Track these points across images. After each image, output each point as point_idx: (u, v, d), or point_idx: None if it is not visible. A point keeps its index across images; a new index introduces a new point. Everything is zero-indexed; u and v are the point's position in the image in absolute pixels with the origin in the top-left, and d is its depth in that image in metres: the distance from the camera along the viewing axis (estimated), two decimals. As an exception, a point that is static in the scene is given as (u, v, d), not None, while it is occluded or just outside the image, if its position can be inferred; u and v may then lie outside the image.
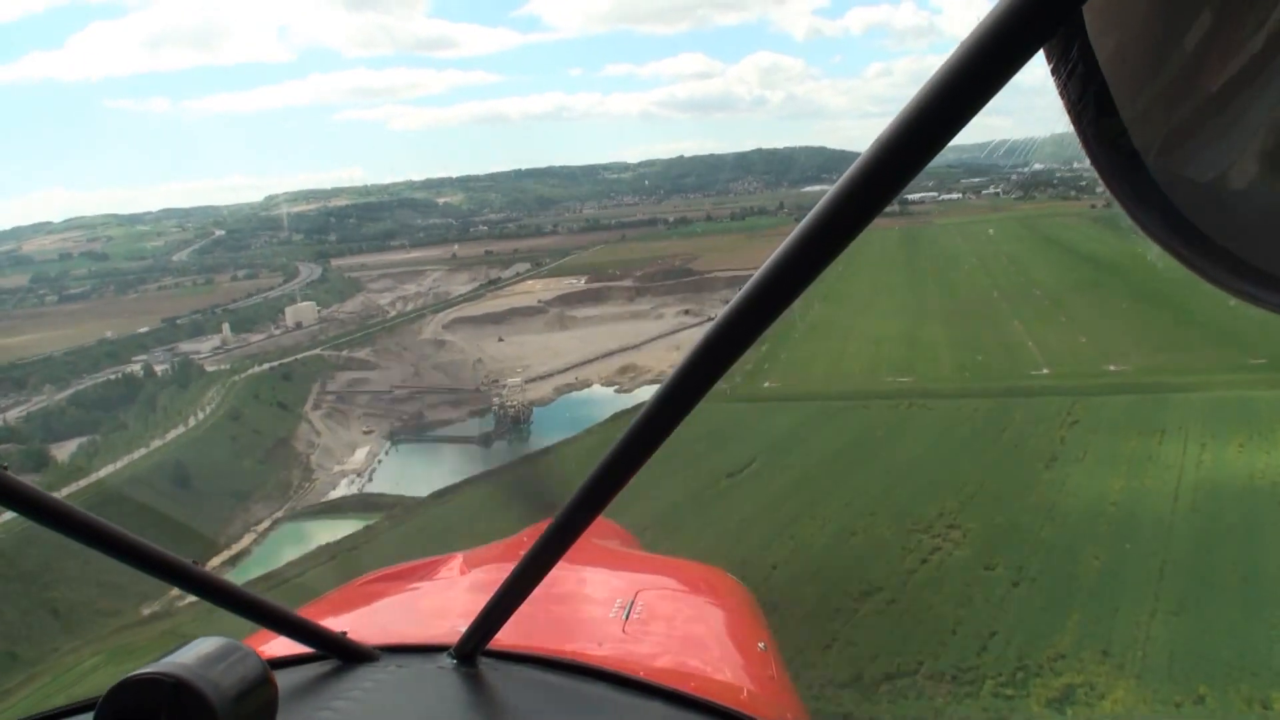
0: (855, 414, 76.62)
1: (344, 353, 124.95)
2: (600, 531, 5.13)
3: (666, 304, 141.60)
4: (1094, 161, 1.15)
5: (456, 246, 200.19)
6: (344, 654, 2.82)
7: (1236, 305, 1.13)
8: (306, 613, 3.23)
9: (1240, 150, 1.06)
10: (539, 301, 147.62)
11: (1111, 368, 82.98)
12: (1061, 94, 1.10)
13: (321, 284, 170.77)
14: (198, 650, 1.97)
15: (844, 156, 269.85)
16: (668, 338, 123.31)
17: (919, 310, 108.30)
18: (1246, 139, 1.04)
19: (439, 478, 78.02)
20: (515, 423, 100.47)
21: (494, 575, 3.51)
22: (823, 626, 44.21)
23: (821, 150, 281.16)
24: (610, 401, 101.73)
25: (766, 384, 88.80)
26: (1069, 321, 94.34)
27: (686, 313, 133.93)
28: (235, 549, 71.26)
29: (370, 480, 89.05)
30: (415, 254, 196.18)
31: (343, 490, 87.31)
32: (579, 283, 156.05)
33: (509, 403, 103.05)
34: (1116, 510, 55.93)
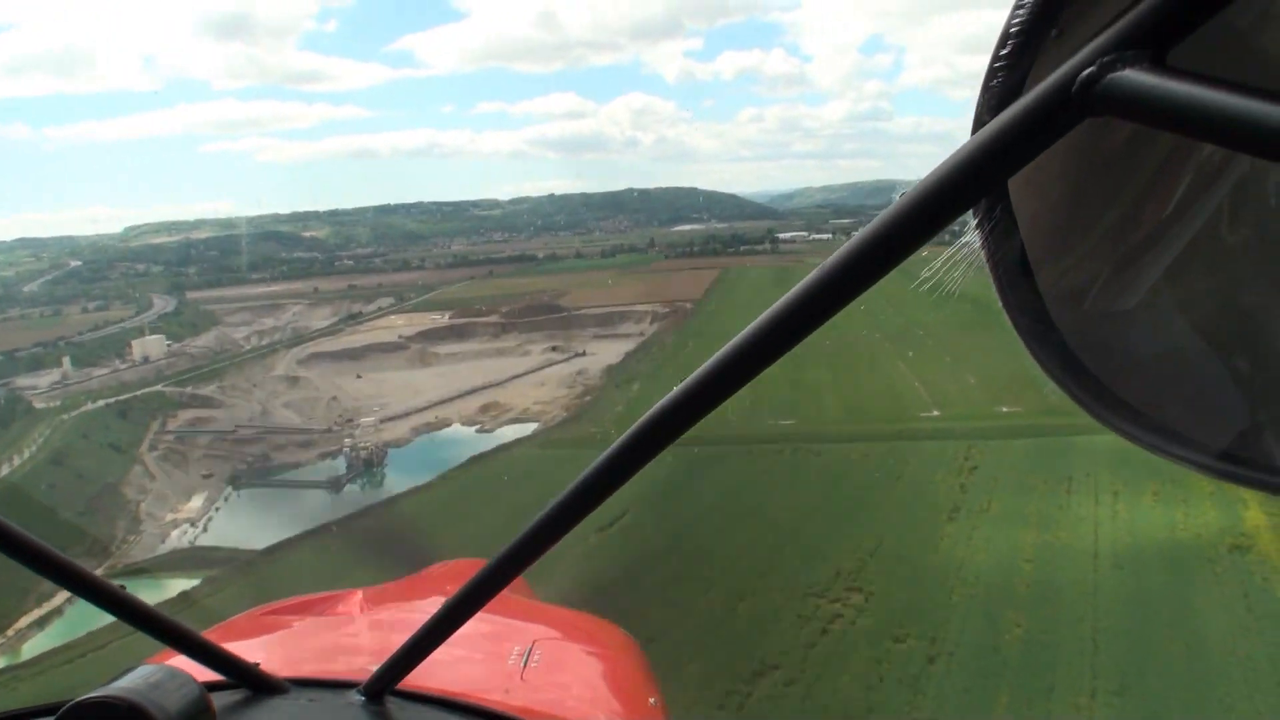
0: (736, 460, 69.11)
1: (188, 389, 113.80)
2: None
3: (533, 340, 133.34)
4: (1005, 306, 1.22)
5: (319, 281, 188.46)
6: (255, 684, 2.65)
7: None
8: (210, 637, 2.79)
9: (1135, 304, 1.21)
10: (400, 337, 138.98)
11: (1004, 409, 77.11)
12: (983, 246, 1.17)
13: (175, 317, 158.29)
14: (142, 676, 2.08)
15: (714, 198, 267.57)
16: (533, 374, 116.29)
17: (797, 350, 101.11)
18: (1143, 295, 1.20)
19: (280, 527, 70.83)
20: (368, 465, 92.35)
21: (395, 613, 3.95)
22: (710, 717, 37.42)
23: (693, 191, 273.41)
24: (470, 442, 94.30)
25: None
26: (955, 361, 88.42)
27: (554, 349, 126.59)
28: (23, 621, 57.31)
29: (205, 530, 79.66)
30: (277, 288, 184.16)
31: (173, 543, 77.71)
32: (443, 318, 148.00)
33: (361, 444, 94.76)
34: (1033, 569, 49.19)
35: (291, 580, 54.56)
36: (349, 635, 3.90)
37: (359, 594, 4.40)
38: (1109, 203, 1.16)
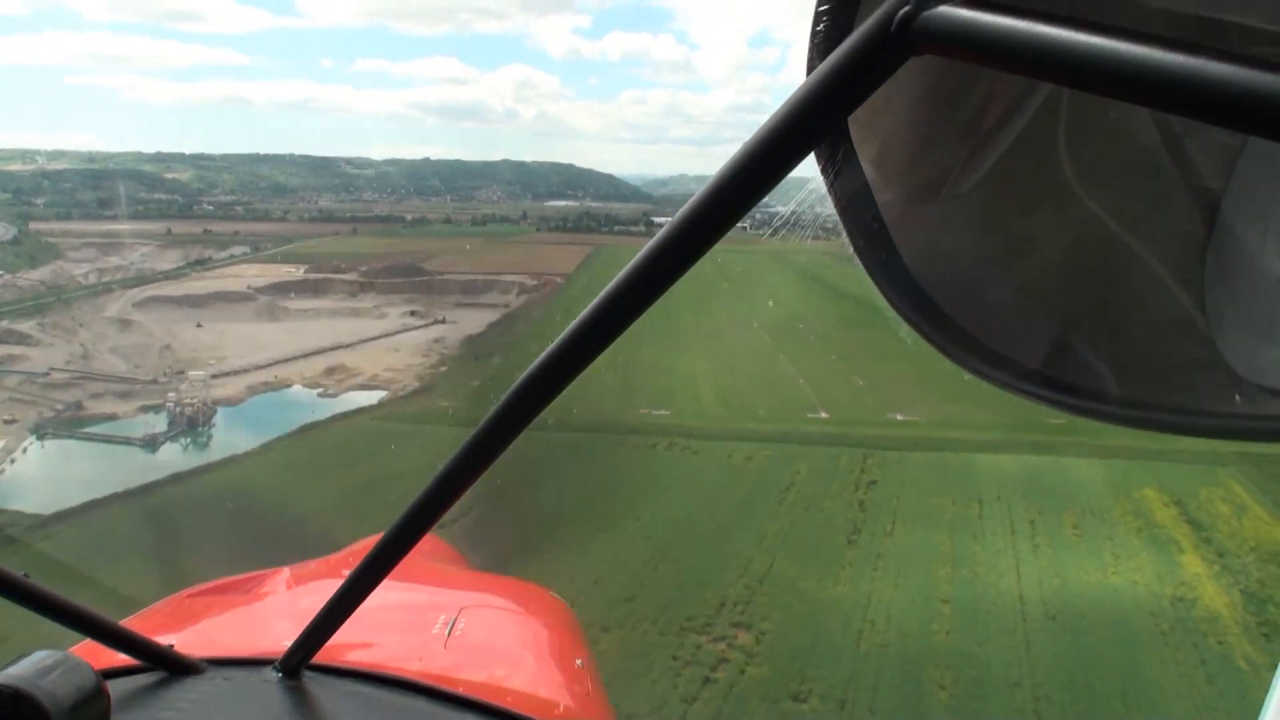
0: (606, 451, 59.34)
1: (3, 323, 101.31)
2: (426, 548, 4.48)
3: (391, 303, 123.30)
4: (855, 249, 1.21)
5: (175, 224, 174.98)
6: (169, 666, 2.65)
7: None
8: (131, 625, 2.82)
9: (982, 241, 1.24)
10: (249, 288, 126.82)
11: (898, 416, 69.56)
12: (829, 189, 1.16)
13: (11, 246, 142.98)
14: (33, 661, 1.99)
15: (591, 176, 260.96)
16: (388, 339, 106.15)
17: (673, 336, 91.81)
18: (989, 231, 1.23)
19: (79, 487, 59.47)
20: (191, 424, 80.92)
21: (321, 590, 3.29)
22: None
23: (569, 168, 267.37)
24: (310, 406, 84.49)
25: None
26: (840, 361, 79.95)
27: (412, 314, 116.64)
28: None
29: (-6, 485, 66.47)
30: (130, 227, 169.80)
31: (-51, 495, 67.00)
32: (298, 272, 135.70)
33: (187, 400, 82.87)
34: (952, 611, 39.92)
35: (67, 558, 44.34)
36: (269, 614, 3.76)
37: (285, 573, 4.20)
38: (952, 140, 1.15)
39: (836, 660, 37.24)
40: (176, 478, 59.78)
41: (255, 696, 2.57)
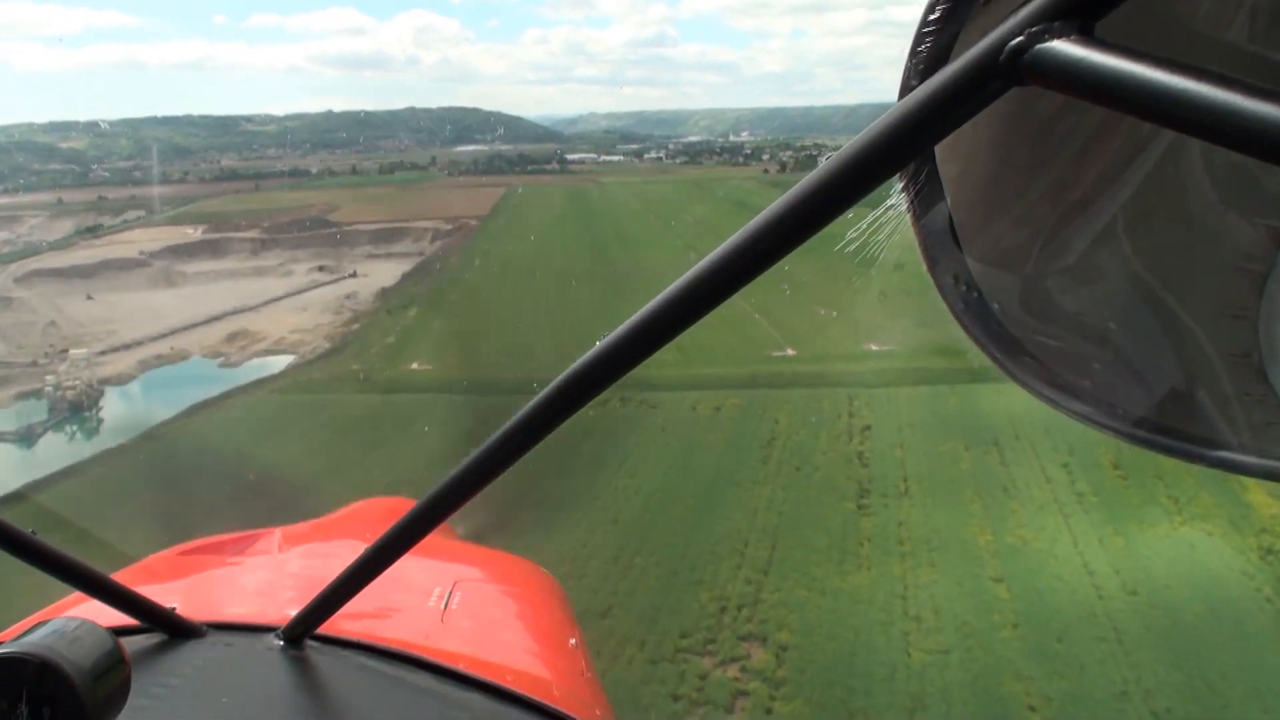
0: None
1: None
2: (403, 510, 3.21)
3: (298, 259, 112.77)
4: (929, 267, 1.21)
5: (68, 193, 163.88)
6: (171, 628, 2.58)
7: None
8: (122, 579, 2.70)
9: (1052, 271, 1.21)
10: (142, 253, 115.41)
11: (873, 347, 60.59)
12: (909, 207, 1.15)
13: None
14: (54, 630, 1.90)
15: (499, 119, 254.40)
16: (295, 297, 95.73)
17: (610, 276, 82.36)
18: (1059, 261, 1.20)
19: None
20: (75, 409, 68.40)
21: (315, 555, 3.66)
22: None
23: (476, 112, 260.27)
24: (210, 378, 72.14)
25: (415, 364, 59.42)
26: (795, 290, 69.06)
27: (321, 269, 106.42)
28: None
29: None
30: (20, 199, 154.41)
31: None
32: (195, 233, 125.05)
33: (68, 382, 71.60)
34: (1011, 595, 30.31)
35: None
36: (267, 577, 3.54)
37: (277, 533, 4.04)
38: (1035, 170, 1.15)
39: (888, 680, 27.94)
40: (47, 481, 48.27)
41: (259, 664, 2.48)
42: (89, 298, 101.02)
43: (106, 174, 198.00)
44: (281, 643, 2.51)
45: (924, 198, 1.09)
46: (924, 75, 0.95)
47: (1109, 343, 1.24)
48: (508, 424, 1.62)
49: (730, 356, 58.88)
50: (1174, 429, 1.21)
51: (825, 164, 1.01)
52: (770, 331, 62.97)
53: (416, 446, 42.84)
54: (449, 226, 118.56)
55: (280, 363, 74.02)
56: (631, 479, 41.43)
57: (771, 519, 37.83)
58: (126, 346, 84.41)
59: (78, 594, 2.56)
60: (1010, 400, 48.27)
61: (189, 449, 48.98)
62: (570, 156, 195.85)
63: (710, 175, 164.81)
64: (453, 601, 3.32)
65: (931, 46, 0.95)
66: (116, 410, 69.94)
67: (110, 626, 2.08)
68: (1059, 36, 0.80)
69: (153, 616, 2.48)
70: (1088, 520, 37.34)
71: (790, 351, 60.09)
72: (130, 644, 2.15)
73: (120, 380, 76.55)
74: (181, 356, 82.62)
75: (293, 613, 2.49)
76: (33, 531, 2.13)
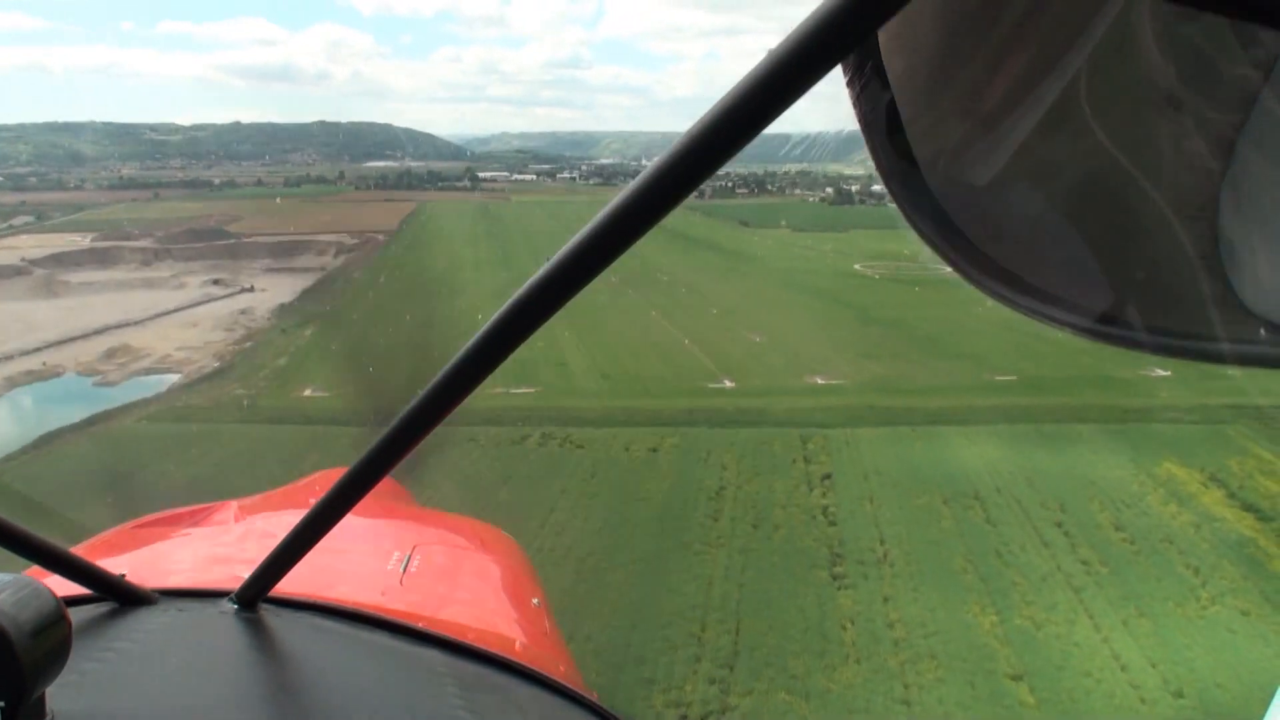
0: (452, 451, 40.46)
1: None
2: (379, 486, 3.24)
3: (192, 270, 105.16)
4: (879, 168, 1.16)
5: None
6: (122, 596, 2.47)
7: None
8: (79, 553, 2.58)
9: (1005, 167, 1.15)
10: (23, 260, 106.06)
11: (818, 380, 53.82)
12: (854, 105, 1.10)
13: None
14: None
15: (410, 135, 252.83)
16: (185, 312, 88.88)
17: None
18: (1012, 157, 1.14)
19: None
20: (-70, 431, 61.27)
21: (271, 523, 3.61)
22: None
23: (387, 128, 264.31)
24: (83, 398, 64.14)
25: (308, 391, 51.94)
26: (723, 315, 62.74)
27: (216, 282, 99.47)
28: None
29: None
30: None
31: None
32: (84, 240, 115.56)
33: None
34: (1037, 700, 24.98)
35: None
36: (221, 545, 3.55)
37: (233, 505, 4.03)
38: (981, 60, 1.08)
39: None
40: None
41: (212, 629, 2.41)
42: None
43: (2, 179, 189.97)
44: (235, 606, 2.39)
45: (869, 94, 1.04)
46: None
47: (1064, 238, 1.20)
48: (435, 380, 1.57)
49: (662, 388, 52.00)
50: (1133, 323, 1.20)
51: (768, 55, 0.97)
52: (703, 360, 56.24)
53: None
54: (355, 240, 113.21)
55: (162, 382, 66.72)
56: (559, 538, 33.90)
57: (731, 592, 30.65)
58: (-4, 360, 76.48)
59: (27, 566, 2.33)
60: (983, 446, 42.09)
61: (23, 483, 40.60)
62: (482, 174, 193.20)
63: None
64: (412, 564, 3.27)
65: None
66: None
67: (61, 597, 2.01)
68: None
69: (102, 585, 2.35)
70: (1102, 596, 31.05)
71: (728, 383, 53.42)
72: (80, 613, 2.20)
73: (-20, 399, 68.15)
74: (54, 373, 74.51)
75: (245, 575, 2.39)
76: None
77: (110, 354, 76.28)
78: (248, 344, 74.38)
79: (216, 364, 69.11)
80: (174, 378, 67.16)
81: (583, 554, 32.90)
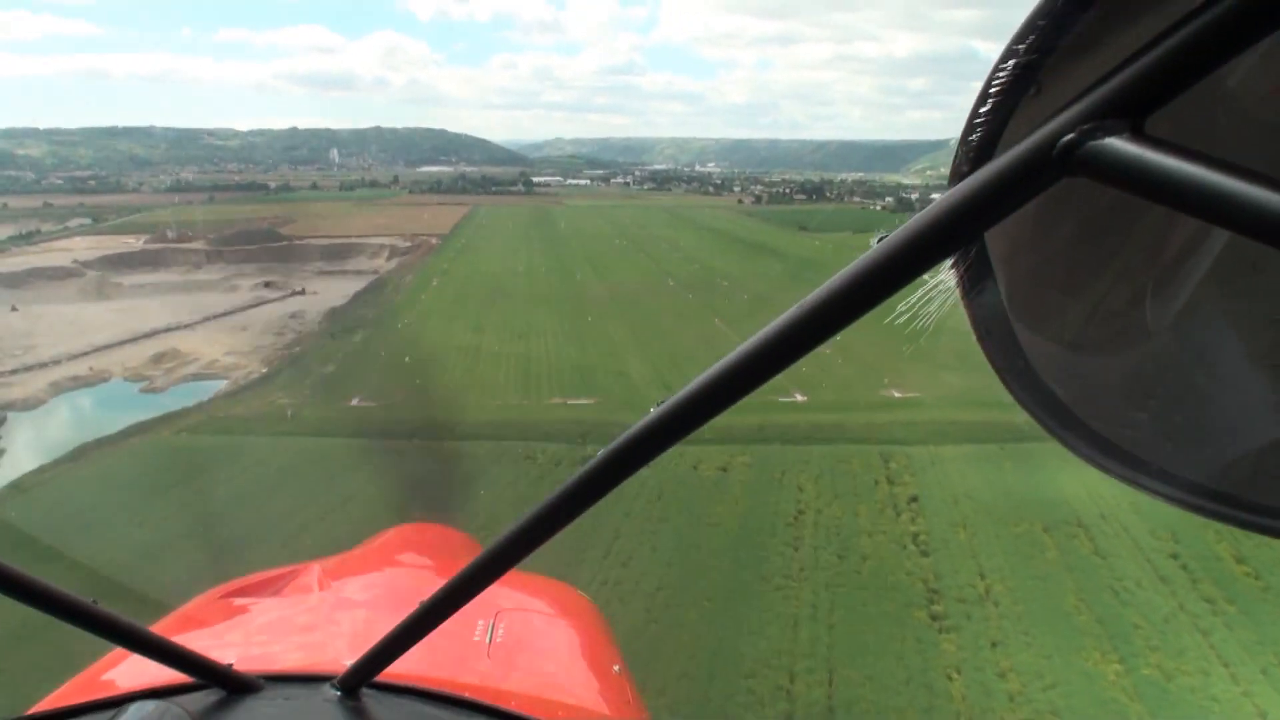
0: (516, 470, 37.62)
1: None
2: (438, 540, 4.81)
3: (244, 273, 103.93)
4: (979, 338, 1.18)
5: (15, 199, 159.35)
6: (230, 685, 2.43)
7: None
8: (169, 631, 3.02)
9: (1089, 333, 1.20)
10: (75, 262, 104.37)
11: (895, 394, 50.85)
12: (959, 286, 1.12)
13: None
14: (138, 714, 2.06)
15: (465, 141, 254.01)
16: (236, 315, 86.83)
17: (578, 301, 71.92)
18: (1095, 324, 1.19)
19: None
20: (-26, 438, 58.35)
21: (360, 591, 3.59)
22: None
23: (442, 133, 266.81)
24: (128, 404, 61.84)
25: (355, 400, 53.60)
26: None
27: (267, 285, 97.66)
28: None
29: None
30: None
31: None
32: (137, 242, 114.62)
33: None
34: None
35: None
36: (314, 620, 3.40)
37: (316, 567, 3.90)
38: (1082, 246, 1.13)
39: None
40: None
41: (318, 717, 2.38)
42: (13, 309, 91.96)
43: (59, 182, 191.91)
44: (339, 693, 2.38)
45: (973, 274, 1.08)
46: (975, 163, 0.97)
47: (1160, 405, 1.22)
48: (577, 473, 1.49)
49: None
50: (1235, 496, 1.18)
51: (879, 246, 1.01)
52: (774, 372, 52.79)
53: (339, 519, 31.98)
54: (408, 244, 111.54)
55: (208, 389, 63.78)
56: (624, 569, 30.45)
57: (820, 635, 27.08)
58: (42, 365, 74.89)
59: (117, 650, 2.41)
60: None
61: (42, 508, 37.77)
62: (536, 179, 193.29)
63: (681, 202, 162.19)
64: (496, 634, 3.24)
65: (982, 135, 0.96)
66: (30, 434, 59.66)
67: (168, 684, 2.26)
68: (1111, 134, 0.83)
69: (210, 674, 2.32)
70: (1234, 640, 27.26)
71: (799, 397, 49.75)
72: (190, 702, 2.23)
73: (26, 404, 66.67)
74: (100, 378, 72.66)
75: (344, 656, 2.43)
76: (94, 601, 1.98)
77: (158, 359, 74.87)
78: (296, 349, 72.19)
79: (263, 370, 66.93)
80: (221, 383, 65.04)
81: (651, 588, 29.41)
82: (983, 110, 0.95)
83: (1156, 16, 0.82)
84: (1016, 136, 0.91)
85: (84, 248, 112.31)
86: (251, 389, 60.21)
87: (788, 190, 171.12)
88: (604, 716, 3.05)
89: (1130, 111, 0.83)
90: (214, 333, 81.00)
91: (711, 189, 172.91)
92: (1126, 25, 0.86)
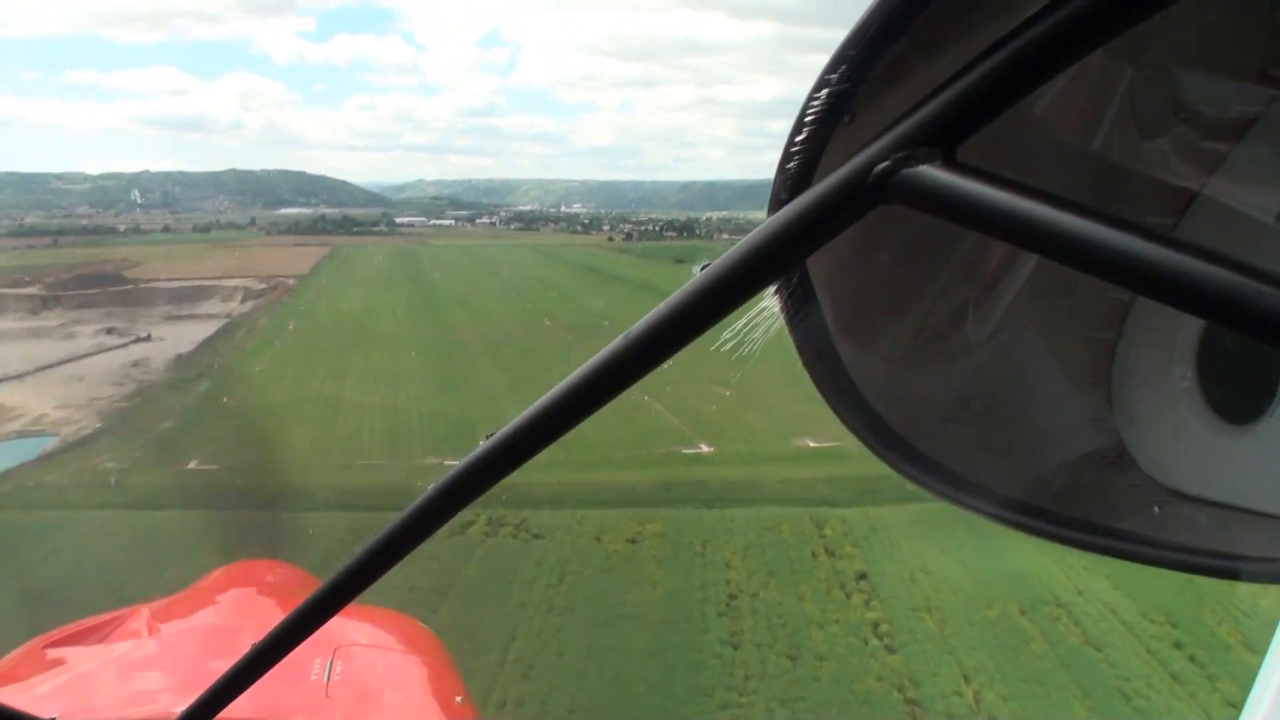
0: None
1: None
2: (271, 577, 4.73)
3: (85, 319, 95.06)
4: (804, 363, 1.17)
5: None
6: None
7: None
8: None
9: (911, 354, 1.24)
10: None
11: (809, 442, 43.61)
12: (783, 310, 1.10)
13: None
14: None
15: (325, 183, 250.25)
16: (70, 365, 77.49)
17: (449, 345, 64.76)
18: (917, 345, 1.23)
19: None
20: None
21: (190, 634, 3.50)
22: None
23: (301, 175, 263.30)
24: None
25: (193, 463, 43.69)
26: (676, 363, 51.83)
27: (110, 331, 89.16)
28: None
29: None
30: None
31: None
32: None
33: None
34: None
35: None
36: (143, 666, 3.42)
37: (143, 611, 3.85)
38: (902, 269, 1.17)
39: None
40: None
41: None
42: None
43: None
44: None
45: (796, 300, 1.07)
46: (793, 190, 0.95)
47: (979, 421, 1.27)
48: (419, 500, 1.38)
49: (627, 456, 42.03)
50: (1047, 510, 1.23)
51: (703, 274, 0.99)
52: (670, 419, 46.27)
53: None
54: (263, 285, 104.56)
55: (32, 448, 55.07)
56: (526, 683, 23.56)
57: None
58: None
59: None
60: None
61: None
62: (399, 219, 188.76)
63: (550, 241, 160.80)
64: (334, 671, 3.14)
65: (799, 163, 0.96)
66: None
67: None
68: (923, 162, 0.84)
69: None
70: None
71: (705, 448, 43.86)
72: None
73: None
74: (-88, 435, 64.25)
75: (175, 703, 2.20)
76: None
77: (-20, 412, 64.82)
78: (137, 400, 64.55)
79: (98, 424, 58.70)
80: (48, 440, 56.42)
81: (562, 712, 22.56)
82: (798, 139, 0.95)
83: (964, 46, 0.83)
84: (832, 164, 0.91)
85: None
86: (84, 444, 52.52)
87: (657, 228, 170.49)
88: None
89: (942, 139, 0.84)
90: (45, 384, 71.72)
91: (580, 228, 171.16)
92: (935, 55, 0.86)
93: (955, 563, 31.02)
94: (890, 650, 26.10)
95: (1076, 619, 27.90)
